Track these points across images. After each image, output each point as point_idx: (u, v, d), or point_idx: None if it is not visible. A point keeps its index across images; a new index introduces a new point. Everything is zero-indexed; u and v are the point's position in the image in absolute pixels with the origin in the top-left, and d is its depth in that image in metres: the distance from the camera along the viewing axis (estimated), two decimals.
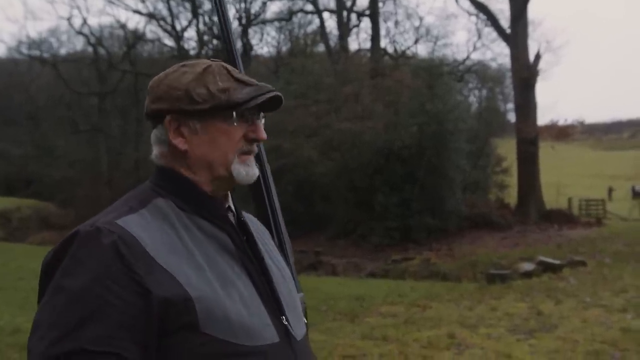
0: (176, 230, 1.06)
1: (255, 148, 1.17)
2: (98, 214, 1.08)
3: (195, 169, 1.12)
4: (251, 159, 1.16)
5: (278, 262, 1.26)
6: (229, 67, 1.16)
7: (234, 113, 1.10)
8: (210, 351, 1.00)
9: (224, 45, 1.39)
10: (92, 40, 32.70)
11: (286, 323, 1.13)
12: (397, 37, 32.12)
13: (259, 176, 1.30)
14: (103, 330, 0.93)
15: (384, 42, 31.25)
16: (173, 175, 1.13)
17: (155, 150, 1.15)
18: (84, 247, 0.98)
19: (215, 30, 29.22)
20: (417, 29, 32.05)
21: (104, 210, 1.09)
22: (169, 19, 30.57)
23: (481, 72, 36.41)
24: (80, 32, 32.60)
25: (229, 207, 1.19)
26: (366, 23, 31.96)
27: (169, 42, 32.60)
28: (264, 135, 1.15)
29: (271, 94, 1.13)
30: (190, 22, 30.21)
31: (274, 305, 1.12)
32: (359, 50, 31.94)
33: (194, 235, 1.08)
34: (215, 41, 29.61)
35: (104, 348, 0.92)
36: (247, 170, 1.14)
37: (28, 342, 0.96)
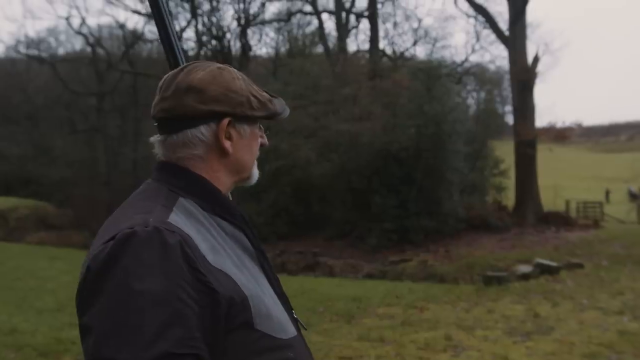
0: (208, 229, 1.07)
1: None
2: (134, 212, 1.03)
3: (224, 172, 1.16)
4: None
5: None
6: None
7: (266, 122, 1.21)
8: (261, 347, 1.03)
9: (163, 38, 1.39)
10: (91, 40, 32.68)
11: (296, 317, 1.19)
12: (396, 39, 32.15)
13: None
14: (184, 332, 0.92)
15: (382, 44, 31.30)
16: (191, 175, 1.13)
17: (183, 153, 1.13)
18: (150, 248, 0.95)
19: (214, 30, 29.23)
20: (415, 30, 32.10)
21: (132, 210, 1.05)
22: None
23: (479, 74, 36.45)
24: (79, 32, 32.59)
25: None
26: (365, 24, 31.99)
27: None
28: (267, 142, 1.26)
29: (288, 109, 1.26)
30: (189, 23, 30.16)
31: (286, 301, 1.18)
32: (357, 52, 31.96)
33: (220, 235, 1.09)
34: (213, 41, 29.60)
35: (187, 350, 0.91)
36: (257, 174, 1.25)
37: (101, 351, 0.91)
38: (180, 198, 1.09)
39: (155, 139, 1.17)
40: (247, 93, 1.15)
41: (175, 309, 0.92)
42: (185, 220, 1.04)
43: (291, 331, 1.11)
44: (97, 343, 0.91)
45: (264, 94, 1.19)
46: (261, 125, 1.22)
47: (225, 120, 1.12)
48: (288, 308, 1.17)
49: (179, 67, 1.18)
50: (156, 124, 1.16)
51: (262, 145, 1.23)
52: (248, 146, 1.18)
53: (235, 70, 1.19)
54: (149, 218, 0.99)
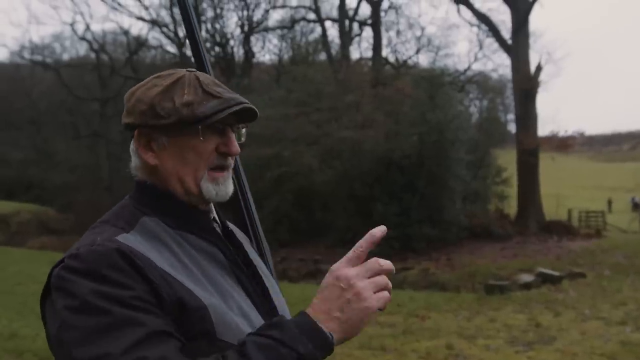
0: (169, 247, 1.05)
1: (229, 162, 1.13)
2: (87, 236, 1.04)
3: (168, 184, 1.10)
4: (224, 176, 1.12)
5: (263, 269, 1.26)
6: (204, 77, 1.11)
7: (199, 128, 1.06)
8: None
9: (192, 45, 1.37)
10: (95, 46, 32.83)
11: None
12: (399, 47, 32.23)
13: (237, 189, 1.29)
14: (160, 322, 0.93)
15: (385, 52, 31.37)
16: (154, 191, 1.11)
17: (132, 162, 1.14)
18: (97, 259, 0.96)
19: (218, 37, 29.32)
20: (418, 38, 32.16)
21: (93, 232, 1.06)
22: (171, 26, 30.68)
23: (482, 83, 36.50)
24: (83, 38, 32.75)
25: (214, 218, 1.18)
26: (368, 32, 32.05)
27: (171, 48, 32.72)
28: (235, 149, 1.11)
29: (236, 108, 1.08)
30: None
31: (268, 313, 1.13)
32: (360, 59, 32.03)
33: (186, 250, 1.07)
34: (217, 48, 29.71)
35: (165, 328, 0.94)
36: (217, 189, 1.11)
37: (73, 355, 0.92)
38: (144, 217, 1.08)
39: None
40: (153, 101, 1.06)
41: (136, 306, 0.93)
42: (142, 241, 1.03)
43: None
44: (73, 347, 0.92)
45: (191, 96, 1.06)
46: (225, 130, 1.10)
47: (135, 133, 1.09)
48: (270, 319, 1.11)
49: None
50: None
51: (226, 153, 1.11)
52: (177, 157, 1.08)
53: (195, 75, 1.11)
54: (97, 237, 1.01)
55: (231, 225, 1.27)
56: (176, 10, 29.65)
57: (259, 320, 1.09)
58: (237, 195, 1.34)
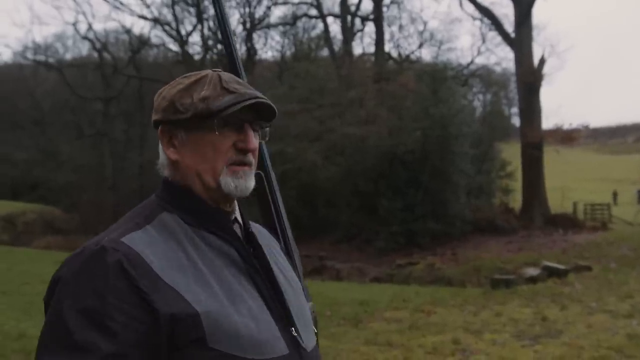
0: (182, 246, 1.05)
1: (249, 158, 1.12)
2: (105, 231, 1.07)
3: (188, 180, 1.11)
4: (244, 170, 1.11)
5: (287, 272, 1.24)
6: (226, 76, 1.13)
7: (215, 122, 1.07)
8: None
9: (226, 50, 1.38)
10: (98, 45, 32.85)
11: (295, 334, 1.11)
12: (401, 42, 32.19)
13: (264, 183, 1.29)
14: (115, 348, 0.93)
15: (388, 47, 31.31)
16: (177, 188, 1.12)
17: (160, 163, 1.15)
18: (88, 266, 0.98)
19: (220, 35, 29.31)
20: (421, 33, 32.11)
21: (111, 227, 1.08)
22: (173, 24, 30.66)
23: (485, 77, 36.42)
24: (85, 37, 32.76)
25: (235, 218, 1.17)
26: (370, 27, 32.01)
27: (173, 47, 32.72)
28: (252, 145, 1.11)
29: (250, 101, 1.08)
30: (194, 27, 30.29)
31: (283, 317, 1.11)
32: (363, 55, 31.98)
33: (200, 250, 1.07)
34: (219, 46, 29.67)
35: None
36: (237, 183, 1.10)
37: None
38: (163, 213, 1.09)
39: None
40: (174, 97, 1.10)
41: (106, 326, 0.93)
42: (155, 237, 1.04)
43: (276, 351, 1.05)
44: (37, 352, 0.96)
45: (208, 92, 1.08)
46: (243, 126, 1.11)
47: (159, 129, 1.12)
48: (285, 325, 1.10)
49: None
50: None
51: (243, 149, 1.10)
52: (195, 152, 1.09)
53: (218, 74, 1.12)
54: (104, 237, 1.02)
55: (256, 227, 1.25)
56: (178, 9, 29.67)
57: (269, 323, 1.07)
58: (267, 197, 1.34)
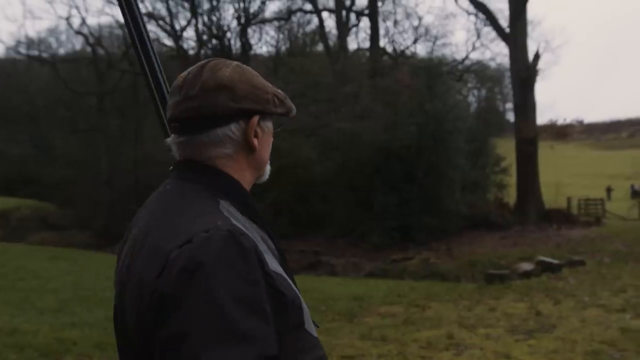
0: (252, 234, 1.05)
1: None
2: (189, 215, 1.02)
3: (249, 170, 1.17)
4: None
5: None
6: None
7: (283, 121, 1.22)
8: (307, 345, 1.06)
9: (136, 52, 1.40)
10: (91, 40, 32.66)
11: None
12: (396, 37, 32.16)
13: None
14: (272, 333, 0.95)
15: (383, 42, 31.29)
16: (224, 177, 1.12)
17: (213, 152, 1.11)
18: (233, 252, 0.95)
19: (214, 29, 29.21)
20: (416, 28, 32.08)
21: (189, 211, 1.03)
22: (167, 19, 30.52)
23: (480, 72, 36.44)
24: (79, 32, 32.57)
25: None
26: (365, 22, 32.00)
27: (168, 41, 32.53)
28: None
29: (294, 112, 1.23)
30: (189, 22, 30.15)
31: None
32: (358, 50, 31.94)
33: (257, 238, 1.07)
34: (214, 40, 29.59)
35: (274, 352, 0.95)
36: (269, 169, 1.24)
37: (202, 356, 0.88)
38: (220, 201, 1.07)
39: (174, 140, 1.14)
40: (272, 90, 1.16)
41: (266, 313, 0.94)
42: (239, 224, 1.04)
43: (315, 332, 1.12)
44: (195, 348, 0.89)
45: (279, 91, 1.20)
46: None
47: (255, 118, 1.13)
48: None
49: (199, 65, 1.14)
50: (176, 124, 1.12)
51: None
52: (267, 142, 1.19)
53: (250, 68, 1.19)
54: (217, 221, 0.99)
55: None
56: (172, 3, 29.54)
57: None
58: None
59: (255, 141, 1.13)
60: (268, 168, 1.21)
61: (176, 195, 1.09)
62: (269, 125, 1.18)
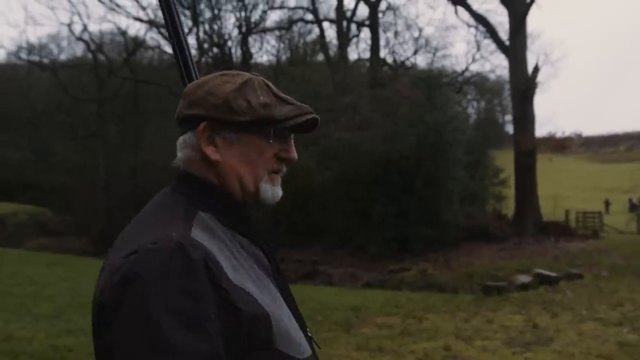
0: (227, 246, 1.03)
1: (284, 168, 1.15)
2: (150, 227, 1.00)
3: (226, 181, 1.09)
4: (279, 179, 1.15)
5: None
6: (269, 83, 1.14)
7: (272, 130, 1.09)
8: None
9: (175, 53, 1.35)
10: (92, 46, 32.74)
11: (310, 336, 1.14)
12: (397, 48, 32.27)
13: None
14: (212, 352, 0.89)
15: (383, 53, 31.41)
16: (212, 187, 1.09)
17: (181, 155, 1.11)
18: (174, 264, 0.91)
19: (215, 38, 29.31)
20: (416, 39, 32.20)
21: (152, 223, 1.01)
22: None
23: (480, 84, 36.60)
24: (80, 38, 32.65)
25: None
26: (366, 33, 32.11)
27: (169, 49, 32.67)
28: (295, 156, 1.14)
29: (310, 116, 1.13)
30: (190, 30, 30.23)
31: (300, 318, 1.12)
32: (358, 60, 32.05)
33: (239, 251, 1.05)
34: (215, 49, 29.68)
35: None
36: (274, 191, 1.13)
37: None
38: (199, 212, 1.04)
39: None
40: (229, 97, 1.06)
41: (204, 328, 0.89)
42: (206, 236, 1.00)
43: (307, 351, 1.07)
44: (120, 357, 0.87)
45: (266, 98, 1.08)
46: (287, 137, 1.13)
47: (202, 125, 1.07)
48: (302, 326, 1.11)
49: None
50: None
51: (285, 159, 1.13)
52: (241, 155, 1.08)
53: (263, 80, 1.12)
54: (172, 232, 0.95)
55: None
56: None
57: (297, 325, 1.08)
58: None
59: (211, 150, 1.07)
60: (265, 188, 1.10)
61: (157, 205, 1.08)
62: (232, 135, 1.08)
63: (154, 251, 0.91)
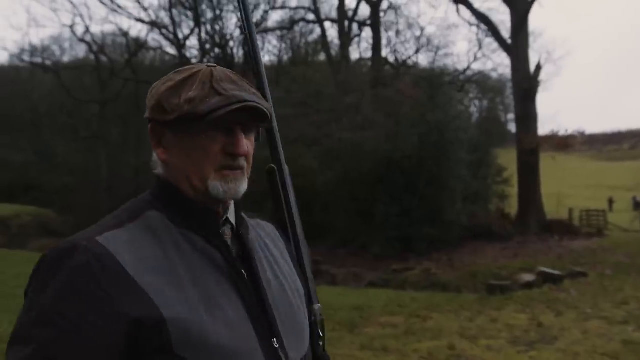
0: (163, 246, 1.01)
1: (240, 162, 1.07)
2: (88, 228, 1.05)
3: (177, 180, 1.07)
4: (235, 175, 1.06)
5: (285, 275, 1.19)
6: (219, 73, 1.06)
7: (201, 125, 1.02)
8: None
9: (253, 64, 1.36)
10: (95, 48, 32.84)
11: (277, 346, 1.06)
12: (398, 47, 32.26)
13: (276, 178, 1.27)
14: (75, 355, 0.91)
15: (385, 52, 31.39)
16: (167, 186, 1.09)
17: (153, 157, 1.12)
18: (54, 265, 0.96)
19: (217, 38, 29.33)
20: (418, 38, 32.18)
21: (97, 224, 1.06)
22: (171, 28, 30.68)
23: (482, 83, 36.56)
24: (82, 40, 32.77)
25: (227, 219, 1.12)
26: (367, 33, 32.10)
27: (171, 50, 32.73)
28: (242, 149, 1.05)
29: (236, 106, 1.01)
30: (192, 31, 30.31)
31: (265, 327, 1.06)
32: (360, 60, 32.05)
33: (182, 252, 1.03)
34: (217, 49, 29.72)
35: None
36: (227, 188, 1.05)
37: (7, 353, 0.97)
38: (151, 211, 1.06)
39: None
40: (161, 96, 1.04)
41: (59, 328, 0.92)
42: (135, 236, 1.01)
43: None
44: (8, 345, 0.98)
45: (196, 92, 1.02)
46: (235, 130, 1.05)
47: (149, 127, 1.08)
48: (266, 335, 1.05)
49: None
50: None
51: (232, 154, 1.05)
52: (183, 154, 1.05)
53: (211, 71, 1.06)
54: (85, 235, 1.01)
55: (261, 225, 1.24)
56: (176, 12, 29.66)
57: (249, 335, 1.02)
58: (279, 193, 1.30)
59: (161, 151, 1.07)
60: (213, 185, 1.04)
61: (125, 204, 1.12)
62: (169, 134, 1.06)
63: (52, 251, 0.99)
